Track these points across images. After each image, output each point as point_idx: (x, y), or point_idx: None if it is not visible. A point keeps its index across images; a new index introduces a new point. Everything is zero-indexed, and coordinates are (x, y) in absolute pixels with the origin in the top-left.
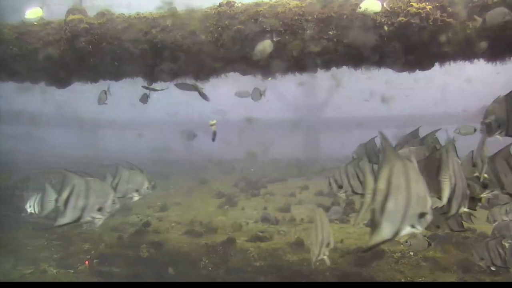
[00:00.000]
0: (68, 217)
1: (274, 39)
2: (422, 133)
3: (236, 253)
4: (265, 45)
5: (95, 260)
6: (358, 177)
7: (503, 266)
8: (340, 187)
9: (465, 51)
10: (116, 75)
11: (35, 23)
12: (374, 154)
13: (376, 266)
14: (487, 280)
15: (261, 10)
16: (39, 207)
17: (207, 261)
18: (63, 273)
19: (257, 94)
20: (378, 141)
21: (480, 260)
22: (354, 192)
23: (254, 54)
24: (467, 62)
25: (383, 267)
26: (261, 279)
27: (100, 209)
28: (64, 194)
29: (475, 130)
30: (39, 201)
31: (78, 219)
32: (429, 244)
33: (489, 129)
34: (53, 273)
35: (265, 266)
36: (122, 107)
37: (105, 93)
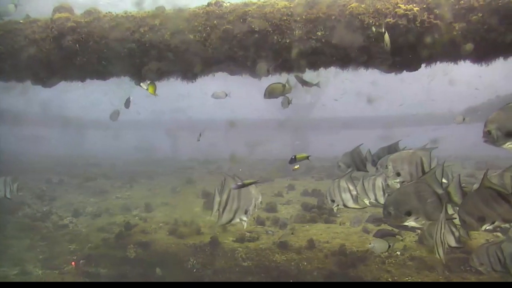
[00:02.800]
0: (225, 218)
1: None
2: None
3: (223, 253)
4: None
5: (81, 261)
6: (349, 191)
7: (503, 271)
8: (333, 201)
9: (451, 52)
10: (103, 74)
11: (21, 21)
12: (360, 162)
13: (363, 266)
14: (473, 278)
15: (249, 10)
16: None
17: (194, 261)
18: (49, 274)
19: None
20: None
21: (480, 265)
22: (345, 206)
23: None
24: (453, 63)
25: (371, 267)
26: (249, 279)
27: (246, 212)
28: (224, 197)
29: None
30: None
31: (230, 221)
32: (389, 246)
33: (491, 139)
34: (38, 274)
35: (252, 266)
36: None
37: (128, 101)
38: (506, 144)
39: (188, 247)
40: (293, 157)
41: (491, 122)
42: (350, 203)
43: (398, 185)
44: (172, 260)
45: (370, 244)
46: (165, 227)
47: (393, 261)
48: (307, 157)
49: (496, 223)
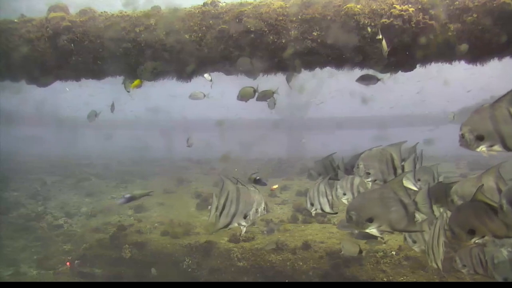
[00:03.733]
0: (222, 222)
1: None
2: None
3: (219, 253)
4: (383, 46)
5: (76, 261)
6: (326, 195)
7: (484, 274)
8: (312, 204)
9: (446, 53)
10: (98, 74)
11: (15, 20)
12: (331, 170)
13: (358, 266)
14: (467, 279)
15: (245, 10)
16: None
17: (189, 261)
18: (44, 275)
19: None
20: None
21: (462, 267)
22: (322, 210)
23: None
24: (448, 63)
25: (366, 267)
26: (245, 279)
27: (245, 217)
28: (222, 200)
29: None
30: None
31: (227, 225)
32: (360, 251)
33: (464, 142)
34: (33, 275)
35: (248, 266)
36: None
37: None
38: (479, 148)
39: (184, 247)
40: (256, 177)
41: (464, 125)
42: (327, 208)
43: (370, 185)
44: (168, 260)
45: (339, 243)
46: (160, 227)
47: (388, 261)
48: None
49: (486, 238)
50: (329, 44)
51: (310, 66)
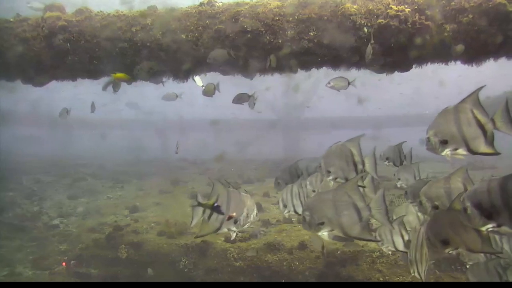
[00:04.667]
0: (210, 227)
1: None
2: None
3: (215, 253)
4: (369, 50)
5: (72, 261)
6: (299, 196)
7: (404, 251)
8: (285, 206)
9: (442, 53)
10: (94, 74)
11: (11, 19)
12: (295, 176)
13: (354, 266)
14: (463, 278)
15: (241, 10)
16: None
17: (186, 261)
18: (39, 275)
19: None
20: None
21: (382, 244)
22: (296, 212)
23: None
24: (444, 64)
25: (362, 267)
26: (241, 279)
27: (236, 222)
28: (211, 204)
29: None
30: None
31: (216, 230)
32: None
33: (429, 146)
34: (28, 275)
35: (244, 266)
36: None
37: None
38: (444, 152)
39: (180, 247)
40: (216, 205)
41: (430, 129)
42: (300, 209)
43: (332, 183)
44: (164, 260)
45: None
46: (156, 227)
47: (384, 261)
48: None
49: (460, 250)
50: (326, 44)
51: (306, 66)
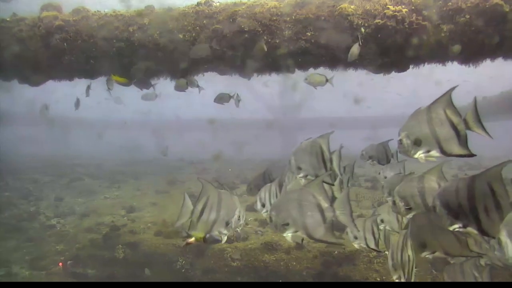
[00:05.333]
0: (199, 230)
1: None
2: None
3: (213, 253)
4: (353, 50)
5: (69, 262)
6: (277, 196)
7: (377, 250)
8: (263, 205)
9: (439, 53)
10: (91, 74)
11: (7, 19)
12: (269, 181)
13: (352, 266)
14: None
15: (239, 10)
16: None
17: (183, 262)
18: (36, 275)
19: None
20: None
21: (354, 240)
22: None
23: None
24: (441, 64)
25: (359, 266)
26: (238, 279)
27: (227, 224)
28: (199, 206)
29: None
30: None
31: (206, 233)
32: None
33: (402, 148)
34: (25, 275)
35: (241, 266)
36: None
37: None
38: (417, 154)
39: (177, 247)
40: (186, 234)
41: (402, 130)
42: None
43: (302, 181)
44: (161, 260)
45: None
46: (153, 228)
47: (381, 261)
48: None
49: (437, 254)
50: (323, 44)
51: (303, 66)
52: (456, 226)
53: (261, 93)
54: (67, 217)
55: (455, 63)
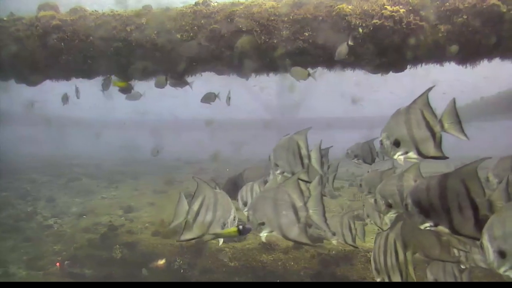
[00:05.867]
0: (195, 231)
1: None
2: None
3: (210, 253)
4: (341, 49)
5: (66, 262)
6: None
7: (354, 245)
8: (245, 204)
9: (437, 54)
10: (89, 73)
11: (4, 18)
12: (240, 186)
13: (349, 266)
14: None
15: (237, 10)
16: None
17: (181, 262)
18: (33, 275)
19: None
20: None
21: (332, 237)
22: None
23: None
24: (438, 64)
25: (357, 266)
26: (236, 279)
27: (224, 225)
28: (195, 206)
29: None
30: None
31: (203, 234)
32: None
33: (383, 149)
34: (22, 276)
35: (239, 266)
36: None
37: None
38: (396, 155)
39: (175, 248)
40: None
41: (383, 131)
42: None
43: (279, 178)
44: (159, 260)
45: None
46: (151, 227)
47: None
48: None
49: (417, 255)
50: (321, 44)
51: (301, 66)
52: (427, 225)
53: (259, 93)
54: (64, 217)
55: (453, 63)
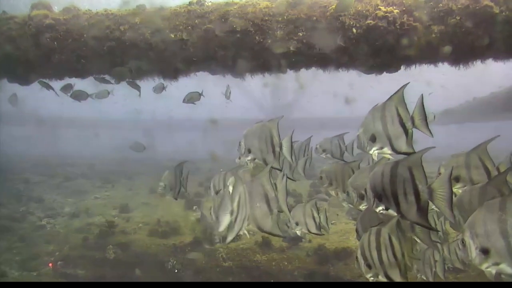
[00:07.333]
0: (236, 230)
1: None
2: None
3: (204, 253)
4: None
5: (59, 262)
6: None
7: (318, 233)
8: (217, 193)
9: (430, 54)
10: (82, 73)
11: None
12: (179, 178)
13: (343, 265)
14: (450, 277)
15: (231, 10)
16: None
17: (175, 262)
18: (26, 276)
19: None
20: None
21: (295, 227)
22: None
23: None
24: (431, 65)
25: (351, 266)
26: (230, 279)
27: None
28: (235, 204)
29: None
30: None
31: (236, 234)
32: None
33: (359, 145)
34: (15, 276)
35: (233, 266)
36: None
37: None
38: (372, 150)
39: (168, 248)
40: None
41: (360, 126)
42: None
43: (250, 165)
44: (152, 260)
45: None
46: (145, 228)
47: None
48: None
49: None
50: (315, 44)
51: (295, 66)
52: (380, 208)
53: (253, 93)
54: (57, 218)
55: (446, 63)
